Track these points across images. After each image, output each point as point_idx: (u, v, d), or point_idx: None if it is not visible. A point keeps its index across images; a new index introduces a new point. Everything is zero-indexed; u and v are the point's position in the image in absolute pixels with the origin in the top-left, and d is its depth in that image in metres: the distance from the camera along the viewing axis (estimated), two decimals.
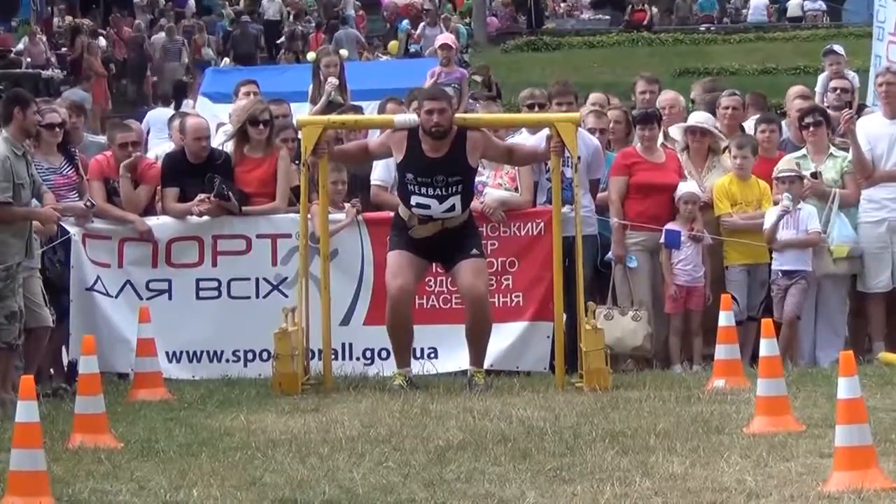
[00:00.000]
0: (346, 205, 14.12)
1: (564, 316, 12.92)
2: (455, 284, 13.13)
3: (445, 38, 24.89)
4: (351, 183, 14.36)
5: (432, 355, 13.71)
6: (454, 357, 14.04)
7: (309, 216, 13.69)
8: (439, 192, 12.44)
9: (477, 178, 14.63)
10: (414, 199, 12.55)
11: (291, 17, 50.00)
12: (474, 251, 12.67)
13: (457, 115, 12.98)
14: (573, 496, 8.65)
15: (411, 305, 12.98)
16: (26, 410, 9.10)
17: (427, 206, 12.53)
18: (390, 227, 13.25)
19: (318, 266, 13.92)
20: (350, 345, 14.20)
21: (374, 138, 13.85)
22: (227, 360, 14.17)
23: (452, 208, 12.57)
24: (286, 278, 14.21)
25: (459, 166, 12.53)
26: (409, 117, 13.24)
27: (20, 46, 39.01)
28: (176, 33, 44.60)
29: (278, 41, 46.17)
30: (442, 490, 8.97)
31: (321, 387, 13.17)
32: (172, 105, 28.77)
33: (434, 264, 13.45)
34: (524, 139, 15.05)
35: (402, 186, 12.81)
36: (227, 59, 42.11)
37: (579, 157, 12.91)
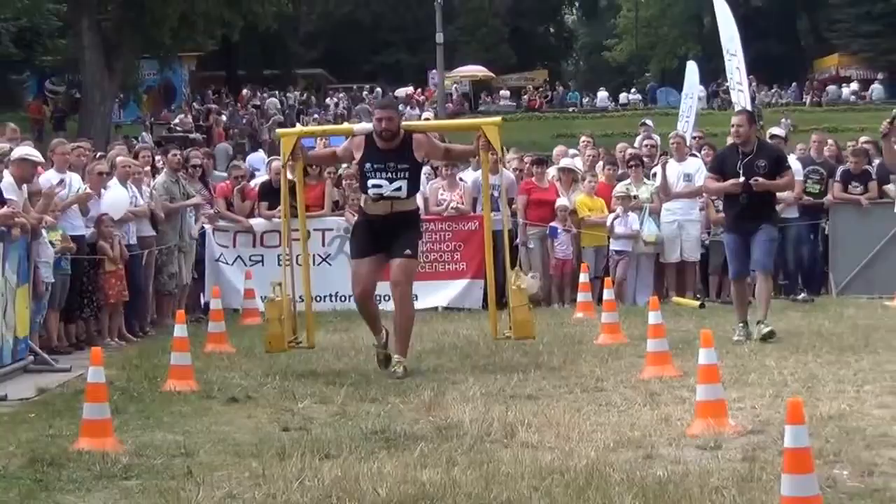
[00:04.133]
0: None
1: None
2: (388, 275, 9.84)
3: (427, 115, 24.95)
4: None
5: (415, 298, 13.66)
6: (428, 300, 14.08)
7: (344, 219, 13.91)
8: (390, 176, 9.45)
9: (440, 196, 14.66)
10: (370, 183, 9.53)
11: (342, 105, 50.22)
12: (408, 252, 9.57)
13: (405, 122, 10.33)
14: (495, 380, 8.65)
15: (372, 300, 9.86)
16: (179, 330, 9.09)
17: (380, 186, 9.47)
18: (351, 233, 10.74)
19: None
20: None
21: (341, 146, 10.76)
22: (297, 301, 14.10)
23: (399, 188, 9.48)
24: (329, 254, 14.20)
25: (407, 158, 9.56)
26: (364, 125, 10.68)
27: (176, 120, 38.87)
28: (286, 110, 45.12)
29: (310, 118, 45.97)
30: (419, 377, 8.98)
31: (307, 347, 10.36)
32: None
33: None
34: (469, 173, 15.12)
35: (362, 178, 9.76)
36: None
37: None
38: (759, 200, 10.60)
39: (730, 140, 15.48)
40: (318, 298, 14.17)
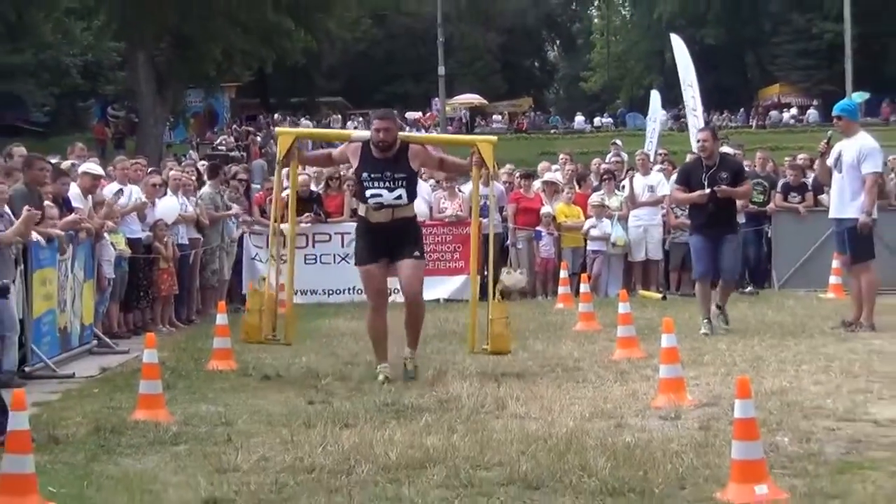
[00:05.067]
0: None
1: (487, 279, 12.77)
2: (398, 278, 8.52)
3: None
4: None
5: None
6: (431, 293, 13.99)
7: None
8: (388, 185, 8.04)
9: (443, 204, 14.63)
10: (369, 192, 8.11)
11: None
12: (416, 253, 8.30)
13: (401, 133, 8.55)
14: (488, 361, 8.58)
15: (386, 302, 8.47)
16: (220, 318, 9.08)
17: (380, 195, 8.06)
18: (355, 241, 8.82)
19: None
20: None
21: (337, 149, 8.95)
22: (319, 293, 14.05)
23: (399, 197, 8.09)
24: (348, 254, 14.11)
25: (403, 167, 8.11)
26: (362, 133, 8.94)
27: (218, 140, 38.87)
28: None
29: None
30: (424, 358, 8.91)
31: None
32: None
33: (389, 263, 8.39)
34: (469, 185, 15.09)
35: (359, 187, 8.31)
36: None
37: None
38: (723, 207, 10.31)
39: (688, 157, 15.63)
40: (339, 291, 14.19)
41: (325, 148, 13.60)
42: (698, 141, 10.69)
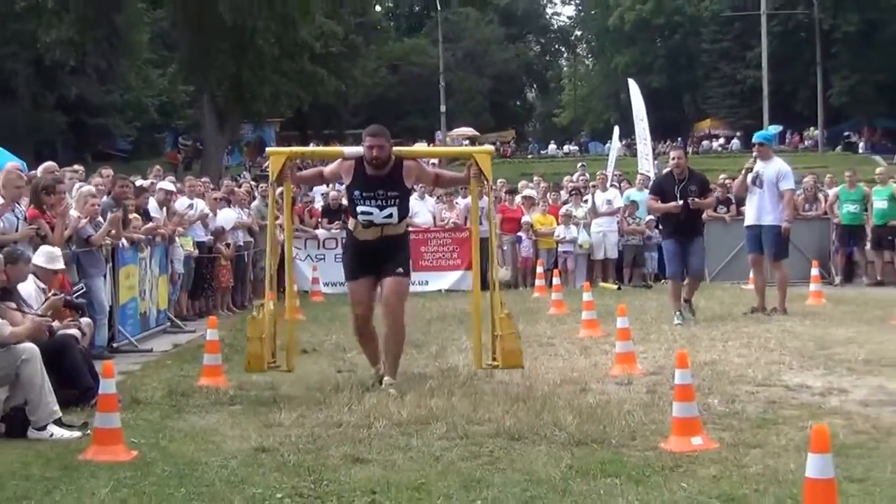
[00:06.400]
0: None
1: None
2: (381, 294, 6.43)
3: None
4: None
5: (425, 283, 13.58)
6: (435, 285, 13.99)
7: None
8: (380, 203, 6.26)
9: (444, 214, 14.56)
10: (359, 209, 6.31)
11: None
12: (400, 270, 6.34)
13: (395, 148, 6.54)
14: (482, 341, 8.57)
15: (371, 323, 6.52)
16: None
17: (370, 213, 6.28)
18: (343, 254, 7.25)
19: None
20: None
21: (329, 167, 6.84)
22: (346, 285, 14.01)
23: (390, 216, 6.29)
24: None
25: (396, 185, 6.31)
26: (355, 149, 6.58)
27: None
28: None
29: None
30: (429, 336, 8.91)
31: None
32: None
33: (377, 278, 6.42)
34: (462, 199, 15.00)
35: (351, 203, 6.49)
36: None
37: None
38: (693, 215, 9.85)
39: (637, 177, 15.54)
40: None
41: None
42: (673, 158, 10.14)
